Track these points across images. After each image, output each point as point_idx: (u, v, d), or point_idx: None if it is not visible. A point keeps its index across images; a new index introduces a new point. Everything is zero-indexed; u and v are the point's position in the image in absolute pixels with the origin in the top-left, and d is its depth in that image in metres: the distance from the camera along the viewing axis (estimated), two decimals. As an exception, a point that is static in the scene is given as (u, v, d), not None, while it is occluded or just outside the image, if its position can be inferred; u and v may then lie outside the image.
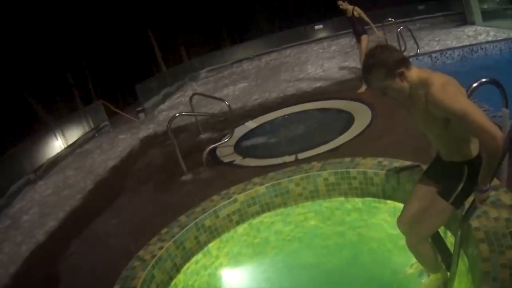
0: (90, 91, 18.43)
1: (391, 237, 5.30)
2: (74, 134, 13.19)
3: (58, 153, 12.11)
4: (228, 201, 6.29)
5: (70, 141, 12.84)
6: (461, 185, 3.58)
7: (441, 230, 4.37)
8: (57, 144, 12.33)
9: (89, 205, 8.35)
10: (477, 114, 3.16)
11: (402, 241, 4.49)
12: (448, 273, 4.00)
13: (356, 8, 10.47)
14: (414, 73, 3.37)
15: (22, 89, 15.40)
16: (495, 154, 3.22)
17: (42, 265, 6.53)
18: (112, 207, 7.84)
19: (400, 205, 5.04)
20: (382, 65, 3.30)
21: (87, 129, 13.88)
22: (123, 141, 12.26)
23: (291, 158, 7.48)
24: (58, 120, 12.89)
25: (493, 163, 3.30)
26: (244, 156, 8.48)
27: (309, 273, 5.45)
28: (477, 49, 11.69)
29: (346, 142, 7.57)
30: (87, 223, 7.38)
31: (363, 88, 9.95)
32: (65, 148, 12.49)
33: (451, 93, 3.17)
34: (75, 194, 8.91)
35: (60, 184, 10.00)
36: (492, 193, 4.07)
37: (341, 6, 10.52)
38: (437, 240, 4.18)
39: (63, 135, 12.71)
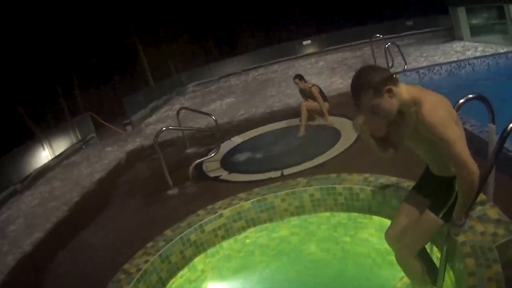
0: (78, 103, 18.44)
1: (377, 251, 5.37)
2: (61, 145, 13.21)
3: (45, 164, 12.12)
4: (213, 215, 6.32)
5: (57, 152, 12.85)
6: (452, 199, 3.62)
7: (427, 245, 4.38)
8: (44, 155, 12.35)
9: (75, 217, 8.36)
10: (462, 146, 3.23)
11: (389, 256, 4.67)
12: None
13: (315, 87, 10.28)
14: (403, 89, 3.43)
15: (9, 99, 15.40)
16: (469, 191, 3.30)
17: (28, 276, 6.55)
18: (98, 219, 7.84)
19: (386, 221, 5.32)
20: (369, 84, 3.39)
21: (74, 140, 13.89)
22: (110, 154, 12.25)
23: (277, 173, 7.51)
24: (45, 131, 12.86)
25: (468, 198, 3.40)
26: (230, 171, 8.50)
27: (295, 288, 5.39)
28: (465, 65, 11.76)
29: (332, 157, 7.63)
30: (73, 235, 7.38)
31: (302, 132, 9.87)
32: (52, 159, 12.50)
33: (441, 118, 3.23)
34: (62, 206, 8.92)
35: (46, 195, 10.01)
36: (479, 207, 4.18)
37: (298, 85, 10.43)
38: (423, 255, 4.18)
39: (50, 146, 12.73)
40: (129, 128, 15.11)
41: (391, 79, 3.39)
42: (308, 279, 5.57)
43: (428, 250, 4.44)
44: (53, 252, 6.97)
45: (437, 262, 4.16)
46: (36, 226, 8.18)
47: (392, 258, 4.33)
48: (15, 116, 15.05)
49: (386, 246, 4.60)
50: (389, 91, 3.37)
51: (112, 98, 17.99)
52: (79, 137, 14.10)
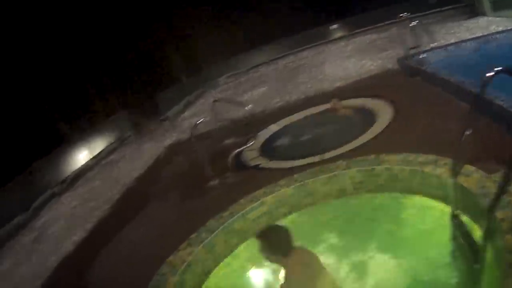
0: (112, 103, 18.56)
1: (419, 231, 5.32)
2: (98, 145, 13.31)
3: (83, 165, 12.22)
4: (255, 204, 6.38)
5: (95, 153, 12.95)
6: None
7: (468, 223, 4.48)
8: (81, 157, 12.47)
9: (116, 215, 8.42)
10: None
11: (431, 236, 4.89)
12: (477, 267, 3.95)
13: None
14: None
15: (44, 104, 15.61)
16: None
17: (71, 276, 6.63)
18: (140, 215, 7.88)
19: (427, 200, 5.46)
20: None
21: (111, 140, 13.98)
22: (148, 150, 12.30)
23: (316, 158, 7.44)
24: (81, 133, 12.95)
25: None
26: (269, 159, 8.50)
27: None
28: (490, 40, 11.55)
29: (369, 139, 7.55)
30: (115, 233, 7.42)
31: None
32: (90, 160, 12.60)
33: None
34: (102, 205, 8.98)
35: (86, 195, 10.09)
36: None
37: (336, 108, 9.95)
38: (465, 234, 4.22)
39: (88, 147, 12.84)
40: (165, 124, 15.16)
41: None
42: (352, 260, 5.51)
43: (469, 228, 4.44)
44: (96, 251, 7.02)
45: (478, 241, 4.08)
46: (77, 226, 8.26)
47: (435, 238, 4.64)
48: (50, 121, 15.22)
49: (428, 226, 4.90)
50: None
51: (145, 95, 17.99)
52: (116, 136, 14.17)
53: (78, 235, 7.85)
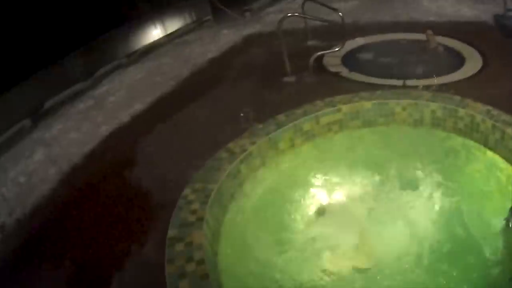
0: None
1: (480, 189, 5.27)
2: (174, 24, 12.77)
3: (155, 41, 11.74)
4: (331, 109, 6.16)
5: (169, 31, 12.42)
6: None
7: None
8: (154, 32, 11.96)
9: (181, 93, 8.11)
10: None
11: (490, 196, 4.98)
12: None
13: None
14: None
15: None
16: None
17: (121, 147, 6.38)
18: (206, 96, 7.63)
19: (499, 159, 5.36)
20: None
21: (188, 21, 13.41)
22: (226, 36, 11.84)
23: (399, 82, 7.20)
24: (158, 9, 12.36)
25: None
26: (351, 70, 8.26)
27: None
28: None
29: (454, 81, 7.19)
30: (175, 110, 7.18)
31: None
32: (163, 37, 12.09)
33: None
34: (168, 81, 8.64)
35: (153, 70, 9.72)
36: None
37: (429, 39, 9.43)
38: None
39: (162, 24, 12.31)
40: (248, 14, 14.49)
41: None
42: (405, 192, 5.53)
43: None
44: (152, 125, 6.80)
45: None
46: (138, 98, 7.94)
47: (492, 201, 4.79)
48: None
49: (490, 186, 5.05)
50: None
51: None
52: (194, 18, 13.56)
53: (136, 108, 7.56)
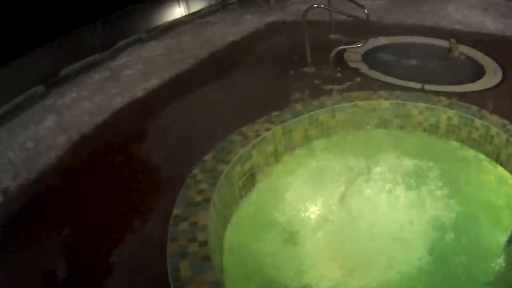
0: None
1: (489, 203, 5.21)
2: (197, 4, 12.71)
3: (176, 19, 11.67)
4: (348, 104, 6.15)
5: (192, 10, 12.34)
6: None
7: None
8: (177, 10, 11.89)
9: (198, 72, 8.05)
10: None
11: (498, 212, 4.96)
12: None
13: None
14: None
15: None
16: None
17: (132, 121, 6.35)
18: (223, 78, 7.57)
19: (509, 175, 5.34)
20: None
21: (212, 2, 13.34)
22: (249, 21, 11.75)
23: (418, 85, 7.14)
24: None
25: None
26: (371, 68, 8.21)
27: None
28: None
29: (473, 91, 7.13)
30: (191, 89, 7.12)
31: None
32: (185, 15, 12.03)
33: None
34: (187, 59, 8.57)
35: (172, 47, 9.66)
36: None
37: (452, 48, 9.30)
38: None
39: (186, 3, 12.24)
40: (272, 2, 14.44)
41: None
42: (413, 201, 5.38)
43: None
44: (166, 102, 6.74)
45: None
46: (155, 73, 7.89)
47: (500, 215, 4.81)
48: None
49: (499, 200, 5.04)
50: None
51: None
52: (219, 0, 13.48)
53: (152, 83, 7.51)
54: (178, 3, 11.92)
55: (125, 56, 9.10)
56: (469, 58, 9.07)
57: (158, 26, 10.91)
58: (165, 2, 11.63)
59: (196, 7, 12.48)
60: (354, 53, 8.73)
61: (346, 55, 8.67)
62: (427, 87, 7.04)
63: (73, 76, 7.96)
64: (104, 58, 8.84)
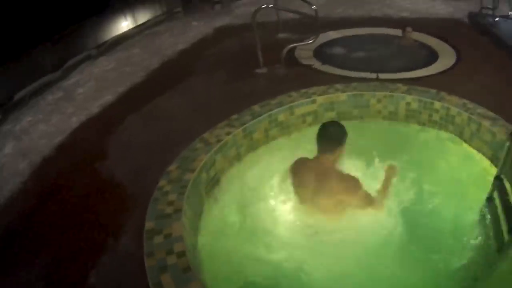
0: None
1: (456, 180, 5.22)
2: (144, 16, 12.63)
3: (124, 32, 11.59)
4: (306, 100, 6.22)
5: (139, 22, 12.28)
6: None
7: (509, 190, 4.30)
8: (124, 24, 11.81)
9: (151, 83, 8.03)
10: None
11: (464, 188, 5.00)
12: (508, 235, 3.82)
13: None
14: None
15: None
16: None
17: (91, 139, 6.26)
18: (177, 87, 7.53)
19: (474, 152, 5.57)
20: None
21: (158, 12, 13.28)
22: (196, 28, 11.77)
23: (372, 75, 7.32)
24: (128, 0, 12.20)
25: None
26: (323, 63, 8.34)
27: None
28: None
29: (428, 75, 7.40)
30: (147, 100, 7.08)
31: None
32: (133, 28, 11.95)
33: None
34: (138, 71, 8.54)
35: (123, 61, 9.61)
36: None
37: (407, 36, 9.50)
38: (503, 199, 4.14)
39: (132, 15, 12.17)
40: (218, 6, 14.49)
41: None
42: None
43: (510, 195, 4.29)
44: (122, 116, 6.66)
45: None
46: (108, 89, 7.83)
47: (467, 192, 4.87)
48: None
49: (465, 177, 5.14)
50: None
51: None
52: (164, 10, 13.43)
53: (106, 99, 7.44)
54: (125, 16, 11.81)
55: (76, 75, 9.00)
56: (422, 44, 9.25)
57: (106, 41, 10.80)
58: (112, 16, 11.52)
59: (142, 18, 12.41)
60: (305, 50, 8.83)
61: (297, 53, 8.77)
62: (382, 76, 7.18)
63: (27, 99, 7.84)
64: (56, 78, 8.71)
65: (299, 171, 4.50)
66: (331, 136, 4.27)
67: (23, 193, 5.12)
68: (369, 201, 4.37)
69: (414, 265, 4.22)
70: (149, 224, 3.95)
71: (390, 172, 4.68)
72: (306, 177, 4.38)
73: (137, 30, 11.89)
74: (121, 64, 9.28)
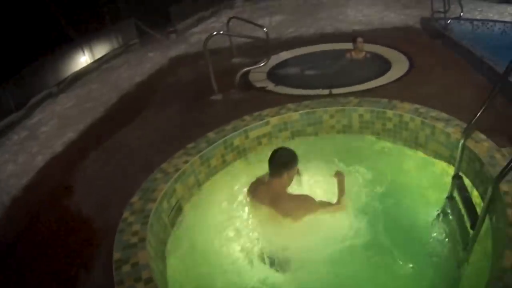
0: (120, 9, 17.83)
1: (416, 184, 5.46)
2: (101, 50, 12.82)
3: (83, 68, 11.79)
4: (260, 122, 6.36)
5: (97, 57, 12.48)
6: None
7: (469, 187, 4.62)
8: (82, 59, 12.00)
9: (112, 118, 8.21)
10: None
11: (426, 191, 5.21)
12: (471, 232, 3.98)
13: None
14: None
15: (49, 3, 14.97)
16: None
17: (57, 176, 6.39)
18: (136, 120, 7.71)
19: (431, 153, 5.76)
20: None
21: (115, 45, 13.49)
22: (152, 59, 11.99)
23: (325, 91, 7.47)
24: (85, 35, 12.38)
25: None
26: (277, 84, 8.50)
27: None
28: None
29: (381, 85, 7.58)
30: (108, 135, 7.23)
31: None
32: (91, 63, 12.15)
33: None
34: (98, 107, 8.71)
35: (83, 97, 9.79)
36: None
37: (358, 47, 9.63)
38: (464, 196, 4.37)
39: (90, 50, 12.36)
40: (173, 36, 14.77)
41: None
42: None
43: (469, 192, 4.54)
44: (86, 152, 6.82)
45: (478, 208, 4.12)
46: (70, 126, 7.99)
47: (428, 193, 5.08)
48: (54, 21, 14.59)
49: (425, 180, 5.37)
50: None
51: (157, 5, 17.29)
52: (121, 43, 13.65)
53: (69, 136, 7.60)
54: (83, 51, 12.00)
55: (39, 113, 9.15)
56: (375, 55, 9.46)
57: (66, 78, 10.97)
58: (70, 52, 11.67)
59: (100, 52, 12.59)
60: (258, 72, 8.97)
61: (251, 77, 8.91)
62: (335, 91, 7.32)
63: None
64: (20, 118, 8.88)
65: (255, 193, 4.76)
66: (279, 162, 4.53)
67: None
68: (329, 207, 4.66)
69: (380, 268, 4.40)
70: (116, 254, 4.12)
71: (339, 177, 4.97)
72: (261, 198, 4.64)
73: (96, 65, 12.07)
74: (81, 101, 9.44)
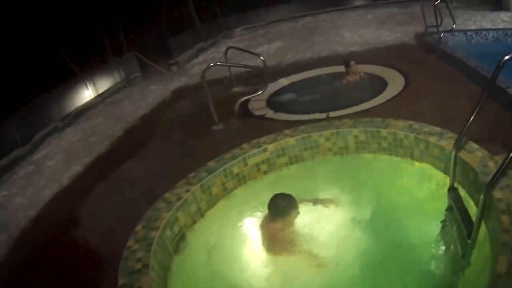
0: (122, 43, 18.18)
1: (415, 198, 5.50)
2: (104, 84, 13.12)
3: (87, 102, 12.08)
4: (258, 149, 6.46)
5: (100, 91, 12.78)
6: None
7: (465, 197, 4.75)
8: (86, 94, 12.29)
9: (116, 151, 8.40)
10: None
11: (425, 205, 5.19)
12: (469, 241, 4.06)
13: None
14: None
15: (52, 40, 15.31)
16: None
17: (64, 209, 6.57)
18: (140, 153, 7.92)
19: (427, 167, 5.77)
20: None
21: (118, 79, 13.79)
22: (155, 92, 12.24)
23: (322, 115, 7.52)
24: (88, 70, 12.69)
25: None
26: (276, 111, 8.59)
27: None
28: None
29: (377, 105, 7.64)
30: (113, 168, 7.42)
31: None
32: (95, 97, 12.44)
33: None
34: (103, 141, 8.93)
35: (88, 131, 10.04)
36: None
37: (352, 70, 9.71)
38: (460, 207, 4.45)
39: (94, 85, 12.65)
40: (174, 68, 15.03)
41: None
42: (344, 218, 5.59)
43: (465, 202, 4.65)
44: (92, 185, 7.00)
45: (473, 217, 4.24)
46: (75, 160, 8.19)
47: (427, 207, 5.09)
48: (58, 57, 14.92)
49: (423, 194, 5.29)
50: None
51: (157, 39, 17.65)
52: (123, 76, 13.96)
53: (75, 170, 7.79)
54: (86, 86, 12.26)
55: (45, 148, 9.42)
56: (370, 75, 9.52)
57: (71, 112, 11.22)
58: (74, 87, 11.94)
59: (103, 87, 12.85)
60: (258, 100, 9.09)
61: (250, 105, 9.02)
62: (332, 114, 7.39)
63: (1, 174, 8.23)
64: (26, 153, 9.13)
65: (261, 229, 5.15)
66: (276, 209, 4.89)
67: (3, 265, 5.41)
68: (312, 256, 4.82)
69: (385, 278, 4.50)
70: (121, 280, 4.28)
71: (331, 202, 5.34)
72: (263, 236, 5.03)
73: (99, 99, 12.32)
74: (86, 135, 9.66)
